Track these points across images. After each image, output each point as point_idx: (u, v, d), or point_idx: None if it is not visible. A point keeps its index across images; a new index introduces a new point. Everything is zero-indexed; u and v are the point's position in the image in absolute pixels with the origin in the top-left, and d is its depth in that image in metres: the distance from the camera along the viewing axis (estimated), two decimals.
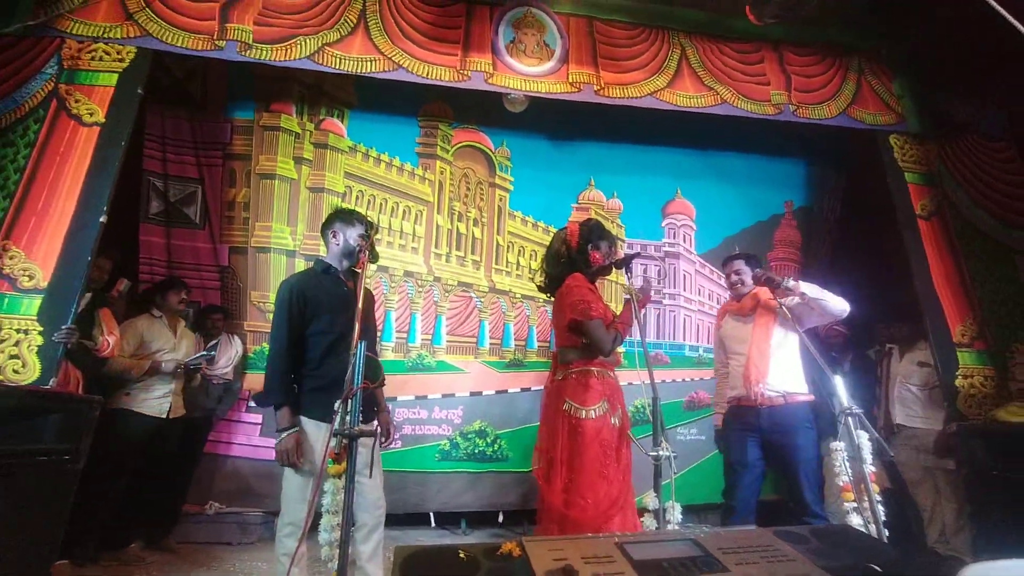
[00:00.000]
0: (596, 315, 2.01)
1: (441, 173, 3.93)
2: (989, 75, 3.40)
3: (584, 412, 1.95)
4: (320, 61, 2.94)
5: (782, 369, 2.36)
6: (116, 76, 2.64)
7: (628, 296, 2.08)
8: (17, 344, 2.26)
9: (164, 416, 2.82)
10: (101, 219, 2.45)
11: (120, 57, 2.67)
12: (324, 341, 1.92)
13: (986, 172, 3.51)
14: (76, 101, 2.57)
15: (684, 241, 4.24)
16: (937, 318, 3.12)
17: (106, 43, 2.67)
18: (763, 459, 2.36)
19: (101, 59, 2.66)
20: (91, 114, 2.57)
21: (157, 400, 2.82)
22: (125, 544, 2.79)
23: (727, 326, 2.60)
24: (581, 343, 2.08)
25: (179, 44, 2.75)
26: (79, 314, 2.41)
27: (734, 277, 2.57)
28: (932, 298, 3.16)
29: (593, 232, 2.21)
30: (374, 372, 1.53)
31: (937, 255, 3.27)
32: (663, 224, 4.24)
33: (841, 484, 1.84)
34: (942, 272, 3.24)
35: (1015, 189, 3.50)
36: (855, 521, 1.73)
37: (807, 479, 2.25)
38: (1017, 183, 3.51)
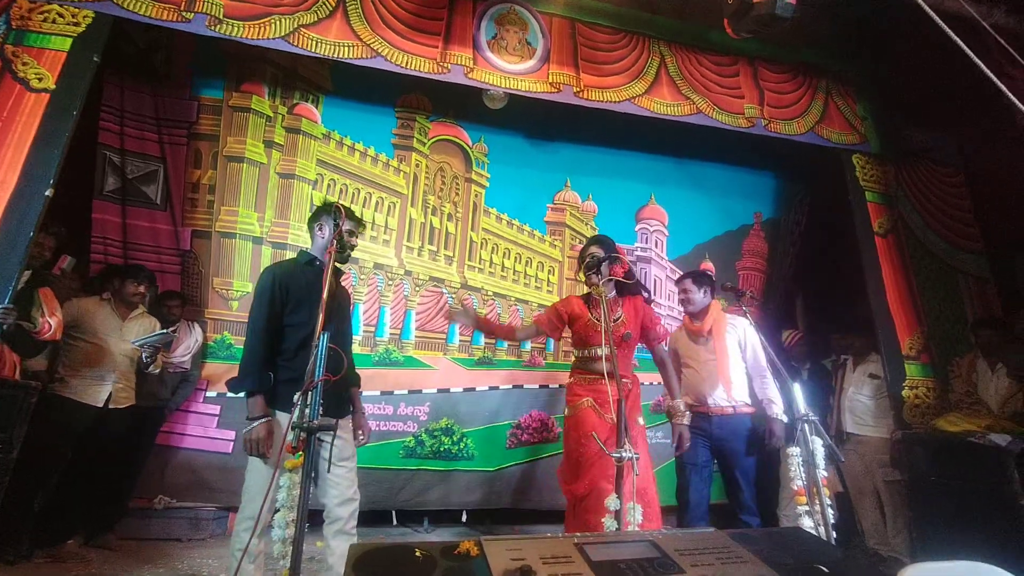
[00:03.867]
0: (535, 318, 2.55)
1: (416, 166, 3.87)
2: (944, 104, 3.60)
3: (567, 410, 2.33)
4: (295, 43, 2.84)
5: (733, 383, 2.56)
6: (70, 41, 2.48)
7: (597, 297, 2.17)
8: None
9: (102, 405, 2.65)
10: (47, 193, 2.29)
11: (75, 21, 2.51)
12: (300, 333, 1.89)
13: (936, 196, 3.73)
14: (24, 64, 2.40)
15: (656, 246, 4.31)
16: (888, 331, 3.29)
17: (60, 4, 2.50)
18: (712, 461, 2.58)
19: (54, 21, 2.49)
20: (40, 79, 2.40)
21: (92, 386, 2.64)
22: (62, 540, 2.62)
23: (683, 341, 2.76)
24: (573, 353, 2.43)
25: (142, 12, 2.60)
26: (17, 293, 2.24)
27: (681, 295, 2.72)
28: (884, 311, 3.32)
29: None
30: (337, 365, 1.49)
31: (891, 271, 3.44)
32: (636, 228, 4.29)
33: (795, 488, 1.90)
34: (894, 287, 3.41)
35: (961, 213, 3.73)
36: (807, 523, 1.79)
37: (746, 481, 2.48)
38: (963, 208, 3.74)
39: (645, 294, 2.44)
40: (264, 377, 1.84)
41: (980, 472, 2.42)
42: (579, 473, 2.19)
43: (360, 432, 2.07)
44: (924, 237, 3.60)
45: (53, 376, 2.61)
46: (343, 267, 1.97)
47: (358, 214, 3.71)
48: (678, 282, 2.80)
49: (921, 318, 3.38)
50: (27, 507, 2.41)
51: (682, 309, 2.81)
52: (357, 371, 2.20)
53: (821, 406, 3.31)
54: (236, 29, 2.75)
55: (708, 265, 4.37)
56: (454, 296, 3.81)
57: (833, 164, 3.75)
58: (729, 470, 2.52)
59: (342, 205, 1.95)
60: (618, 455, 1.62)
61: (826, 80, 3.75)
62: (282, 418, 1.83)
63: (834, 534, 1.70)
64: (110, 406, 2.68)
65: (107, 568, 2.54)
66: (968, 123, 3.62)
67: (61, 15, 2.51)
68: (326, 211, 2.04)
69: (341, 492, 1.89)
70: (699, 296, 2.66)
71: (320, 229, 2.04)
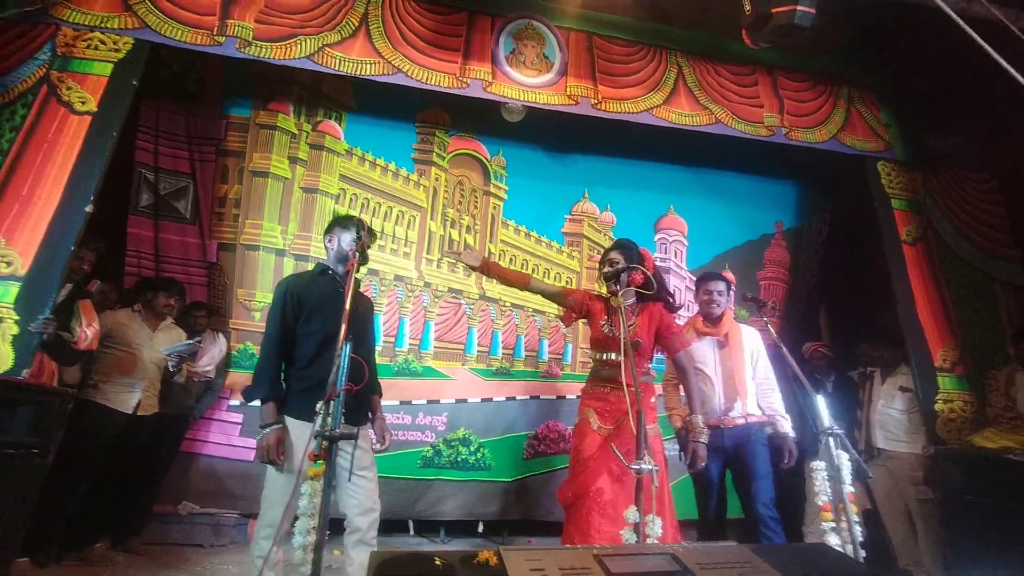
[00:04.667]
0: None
1: (436, 179, 3.94)
2: (974, 109, 3.50)
3: (577, 418, 2.32)
4: (320, 61, 2.94)
5: (749, 394, 2.49)
6: (111, 66, 2.62)
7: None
8: None
9: (131, 412, 2.74)
10: (87, 209, 2.41)
11: (116, 47, 2.65)
12: (315, 340, 1.93)
13: (968, 202, 3.61)
14: (68, 88, 2.54)
15: (675, 256, 4.28)
16: (919, 342, 3.18)
17: (103, 32, 2.65)
18: (724, 476, 2.50)
19: (97, 48, 2.63)
20: (83, 102, 2.54)
21: (123, 393, 2.73)
22: (90, 544, 2.70)
23: (695, 344, 2.58)
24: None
25: (178, 38, 2.74)
26: (58, 305, 2.35)
27: (716, 297, 2.57)
28: (914, 322, 3.22)
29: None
30: (358, 374, 1.51)
31: (920, 280, 3.34)
32: (655, 239, 4.27)
33: (820, 503, 1.84)
34: (924, 297, 3.30)
35: (995, 220, 3.60)
36: (833, 541, 1.73)
37: (761, 494, 2.35)
38: (997, 214, 3.61)
39: (670, 299, 2.34)
40: (276, 385, 1.90)
41: (1019, 491, 2.30)
42: (569, 479, 2.21)
43: (383, 439, 2.09)
44: (955, 244, 3.49)
45: (86, 383, 2.71)
46: (356, 275, 2.02)
47: (379, 227, 3.83)
48: (705, 281, 2.62)
49: (954, 328, 3.26)
50: (57, 511, 2.49)
51: (703, 312, 2.63)
52: (379, 380, 2.23)
53: (847, 419, 3.20)
54: (264, 50, 2.87)
55: (728, 275, 4.30)
56: (472, 307, 3.84)
57: (856, 172, 3.67)
58: (744, 481, 2.41)
59: (356, 217, 2.00)
60: (637, 468, 1.61)
61: (847, 87, 3.69)
62: (297, 426, 1.85)
63: (863, 552, 1.64)
64: (138, 413, 2.77)
65: (132, 572, 2.61)
66: (997, 127, 3.51)
67: (103, 42, 2.65)
68: (338, 223, 2.10)
69: (361, 502, 1.91)
70: (725, 300, 2.58)
71: (330, 241, 2.09)
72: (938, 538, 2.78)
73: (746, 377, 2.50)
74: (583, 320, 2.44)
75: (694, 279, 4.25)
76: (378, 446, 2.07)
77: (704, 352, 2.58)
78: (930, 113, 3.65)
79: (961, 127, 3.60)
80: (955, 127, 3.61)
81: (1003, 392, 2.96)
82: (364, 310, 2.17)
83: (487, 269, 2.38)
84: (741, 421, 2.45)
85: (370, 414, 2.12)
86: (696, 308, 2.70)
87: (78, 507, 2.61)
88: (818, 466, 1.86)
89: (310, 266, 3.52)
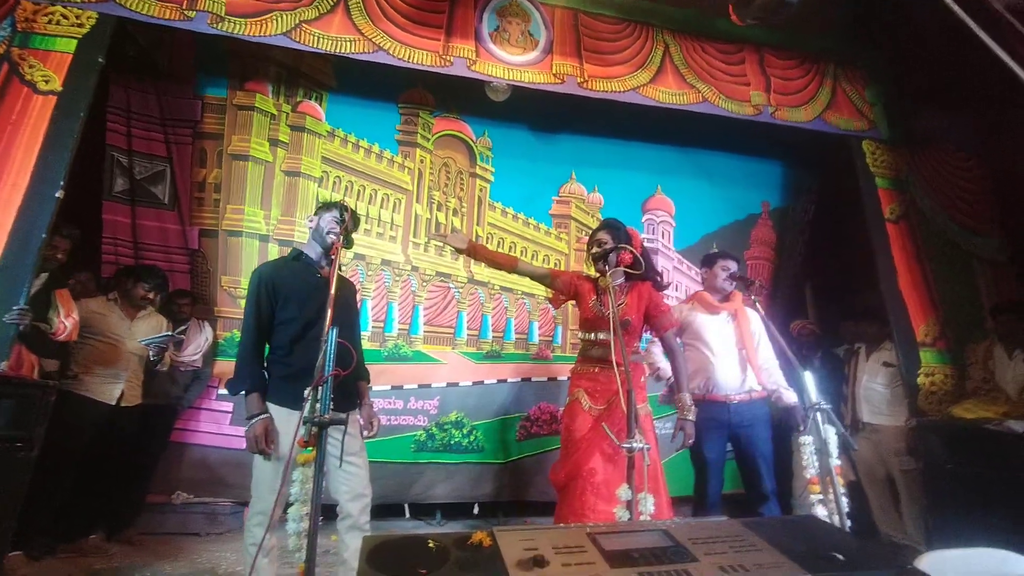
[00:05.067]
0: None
1: (421, 162, 3.86)
2: (956, 87, 3.52)
3: (567, 399, 2.34)
4: (297, 39, 2.83)
5: (755, 366, 2.50)
6: (75, 42, 2.49)
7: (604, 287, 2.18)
8: None
9: (114, 403, 2.69)
10: (57, 194, 2.31)
11: (79, 22, 2.52)
12: (292, 328, 1.91)
13: (950, 181, 3.66)
14: (30, 66, 2.42)
15: (663, 237, 4.28)
16: (902, 318, 3.24)
17: (65, 6, 2.52)
18: (727, 452, 2.51)
19: (59, 23, 2.50)
20: (47, 81, 2.42)
21: (105, 385, 2.68)
22: (84, 535, 2.67)
23: (698, 320, 2.59)
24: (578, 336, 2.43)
25: (144, 11, 2.61)
26: (34, 295, 2.28)
27: (731, 272, 2.59)
28: (897, 298, 3.28)
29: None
30: (345, 359, 1.49)
31: (903, 257, 3.39)
32: (643, 219, 4.26)
33: (808, 477, 1.88)
34: (907, 273, 3.36)
35: (977, 197, 3.65)
36: (820, 512, 1.78)
37: (767, 470, 2.40)
38: (977, 192, 3.66)
39: (658, 279, 2.35)
40: (257, 376, 1.89)
41: (997, 459, 2.39)
42: (562, 459, 2.23)
43: (370, 425, 2.08)
44: (936, 221, 3.54)
45: (65, 374, 2.64)
46: (332, 256, 1.95)
47: (364, 211, 3.76)
48: (723, 259, 2.62)
49: (936, 304, 3.33)
50: (47, 503, 2.45)
51: (715, 287, 2.62)
52: (366, 365, 2.21)
53: (833, 394, 3.28)
54: (238, 26, 2.75)
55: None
56: (460, 290, 3.82)
57: (842, 150, 3.68)
58: (750, 458, 2.43)
59: (340, 201, 1.96)
60: (628, 446, 1.62)
61: (833, 66, 3.68)
62: (281, 413, 1.85)
63: (849, 523, 1.69)
64: (122, 404, 2.72)
65: (128, 562, 2.59)
66: (982, 106, 3.54)
67: (65, 16, 2.52)
68: (321, 207, 2.07)
69: (352, 488, 1.91)
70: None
71: (310, 223, 2.07)
72: (920, 505, 2.89)
73: (753, 354, 2.51)
74: (572, 302, 2.44)
75: (682, 259, 4.30)
76: (366, 432, 2.06)
77: (713, 327, 2.55)
78: (916, 91, 3.65)
79: (947, 105, 3.61)
80: (941, 105, 3.62)
81: (981, 365, 3.04)
82: (345, 294, 2.13)
83: (474, 252, 2.36)
84: (746, 397, 2.46)
85: (358, 400, 2.10)
86: (686, 286, 2.70)
87: (69, 499, 2.57)
88: (806, 440, 1.89)
89: None
